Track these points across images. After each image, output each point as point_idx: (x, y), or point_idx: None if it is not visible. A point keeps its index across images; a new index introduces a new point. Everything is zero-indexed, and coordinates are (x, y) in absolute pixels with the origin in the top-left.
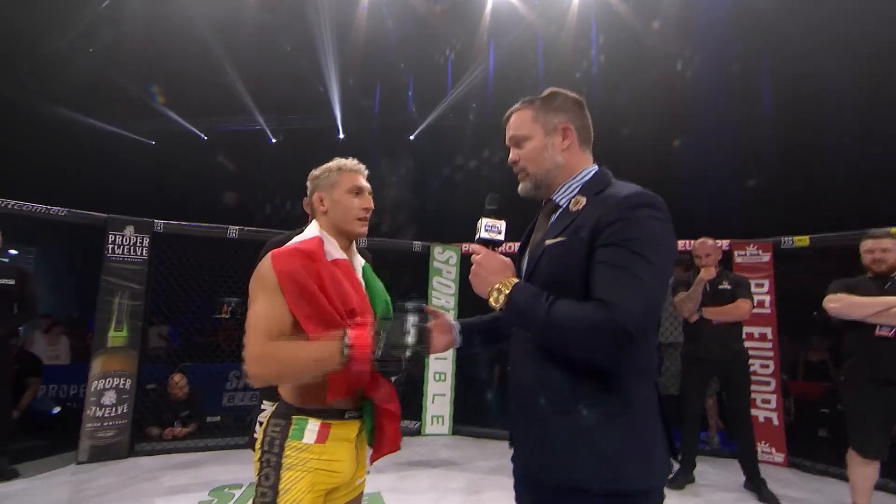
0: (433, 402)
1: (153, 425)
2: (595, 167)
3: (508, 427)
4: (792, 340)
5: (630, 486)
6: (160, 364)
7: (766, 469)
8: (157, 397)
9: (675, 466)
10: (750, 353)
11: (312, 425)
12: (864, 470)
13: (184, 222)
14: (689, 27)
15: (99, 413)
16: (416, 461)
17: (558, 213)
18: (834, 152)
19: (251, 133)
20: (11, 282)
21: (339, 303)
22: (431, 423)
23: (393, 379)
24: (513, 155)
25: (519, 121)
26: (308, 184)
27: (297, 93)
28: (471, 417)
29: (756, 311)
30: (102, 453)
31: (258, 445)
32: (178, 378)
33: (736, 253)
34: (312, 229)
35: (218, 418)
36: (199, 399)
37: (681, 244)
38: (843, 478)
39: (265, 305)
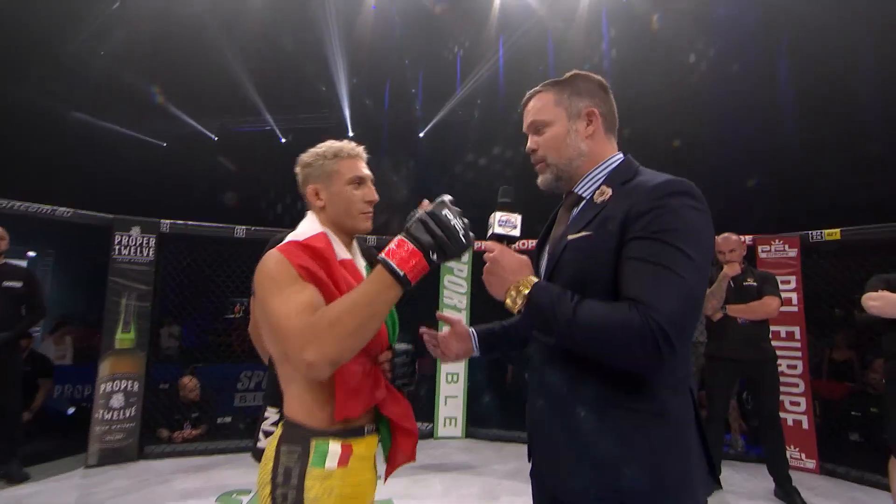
0: (446, 403)
1: (163, 427)
2: (620, 155)
3: (527, 439)
4: (817, 339)
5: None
6: (171, 364)
7: (796, 476)
8: (168, 398)
9: (716, 487)
10: (777, 353)
11: (334, 447)
12: None
13: (190, 222)
14: (702, 14)
15: (107, 416)
16: (428, 465)
17: (581, 205)
18: (862, 137)
19: (260, 133)
20: (19, 284)
21: None
22: (444, 426)
23: (406, 392)
24: (531, 143)
25: (539, 104)
26: (298, 172)
27: (305, 92)
28: (485, 419)
29: (783, 308)
30: (111, 456)
31: (267, 475)
32: (187, 380)
33: (760, 248)
34: (312, 224)
35: (229, 419)
36: (210, 400)
37: None
38: (880, 486)
39: (288, 296)
